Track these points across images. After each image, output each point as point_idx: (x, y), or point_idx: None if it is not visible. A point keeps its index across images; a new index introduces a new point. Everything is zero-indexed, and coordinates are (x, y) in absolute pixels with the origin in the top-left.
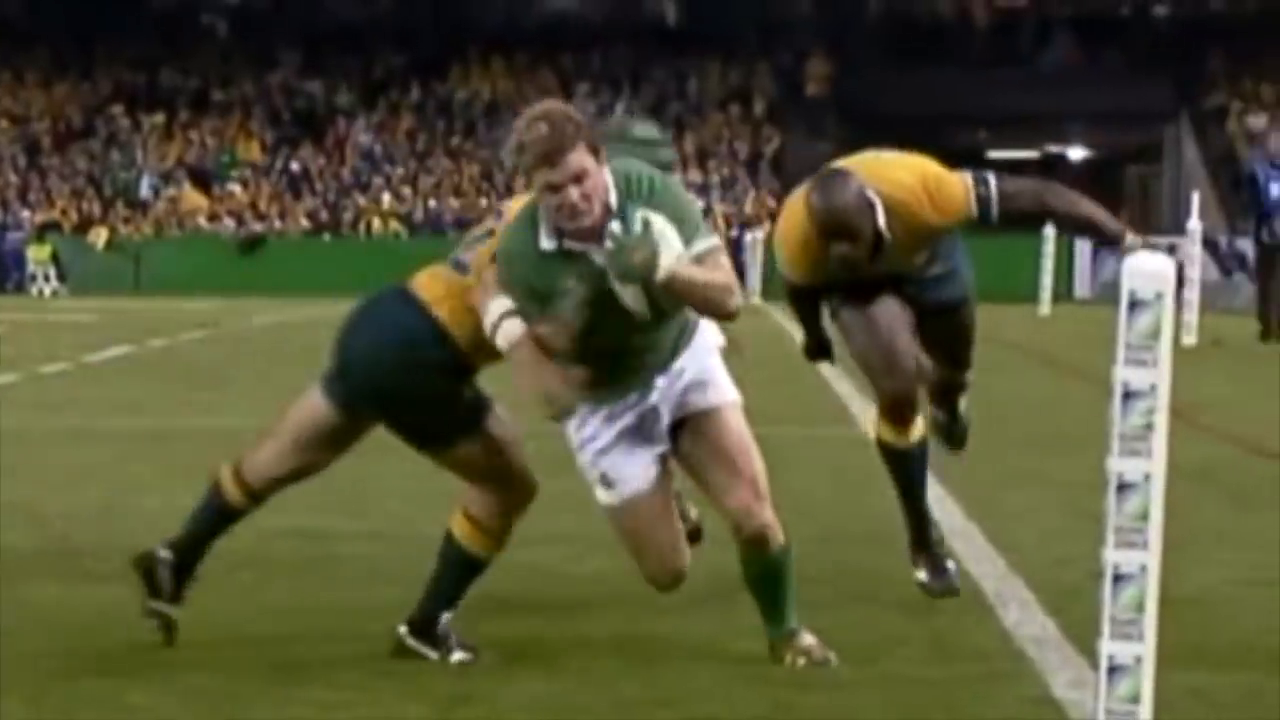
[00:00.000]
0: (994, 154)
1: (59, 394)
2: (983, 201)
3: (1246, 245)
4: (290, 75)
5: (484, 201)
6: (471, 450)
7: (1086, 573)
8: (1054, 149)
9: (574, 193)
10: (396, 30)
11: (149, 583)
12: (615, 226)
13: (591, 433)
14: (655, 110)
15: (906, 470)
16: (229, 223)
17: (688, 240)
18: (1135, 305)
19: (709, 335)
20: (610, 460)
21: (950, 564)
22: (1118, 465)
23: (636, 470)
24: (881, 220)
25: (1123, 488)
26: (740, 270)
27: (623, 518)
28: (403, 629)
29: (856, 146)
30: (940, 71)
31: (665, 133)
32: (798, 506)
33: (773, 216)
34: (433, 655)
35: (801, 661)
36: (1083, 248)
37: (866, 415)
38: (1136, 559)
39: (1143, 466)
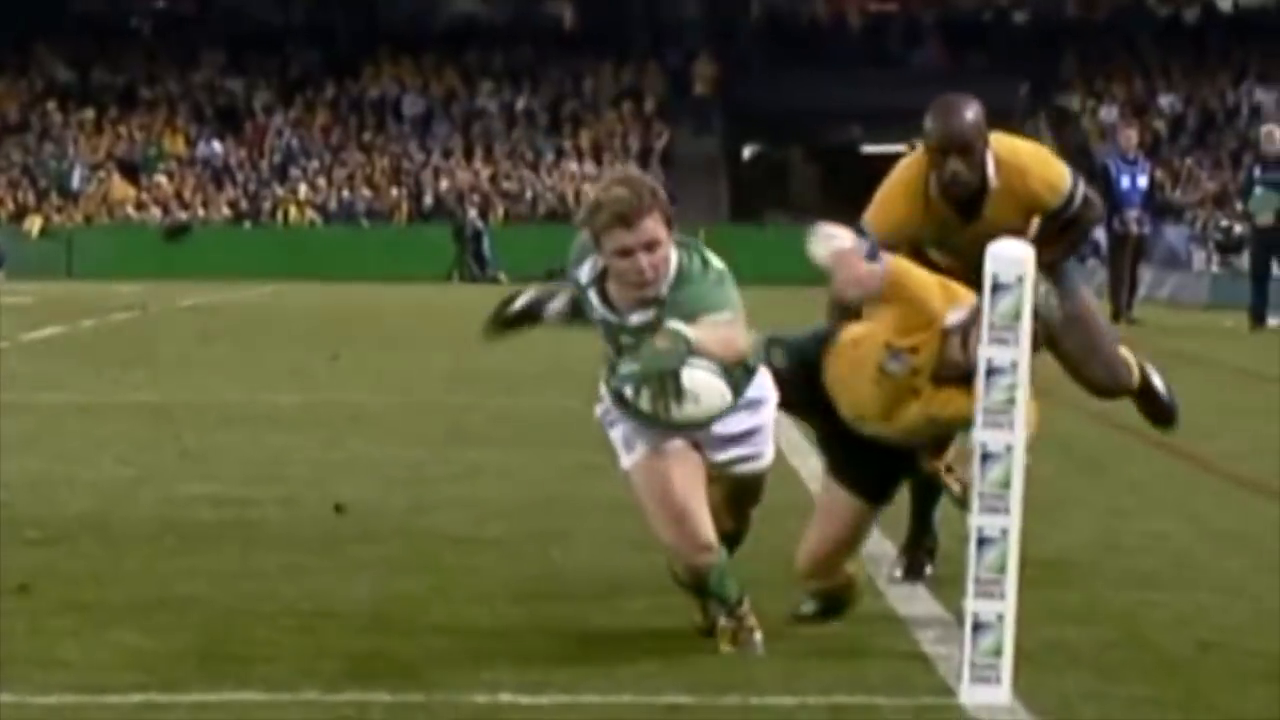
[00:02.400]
0: (867, 148)
1: None
2: (1077, 186)
3: (1100, 233)
4: (213, 74)
5: (394, 192)
6: None
7: (953, 536)
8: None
9: (644, 259)
10: (312, 32)
11: None
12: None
13: (617, 415)
14: (552, 107)
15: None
16: (155, 212)
17: (699, 318)
18: (998, 288)
19: (765, 390)
20: (632, 426)
21: (928, 570)
22: (982, 436)
23: (658, 435)
24: (991, 166)
25: (986, 457)
26: None
27: (641, 476)
28: None
29: (741, 141)
30: (817, 71)
31: None
32: None
33: None
34: None
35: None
36: None
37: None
38: (999, 523)
39: (1004, 438)
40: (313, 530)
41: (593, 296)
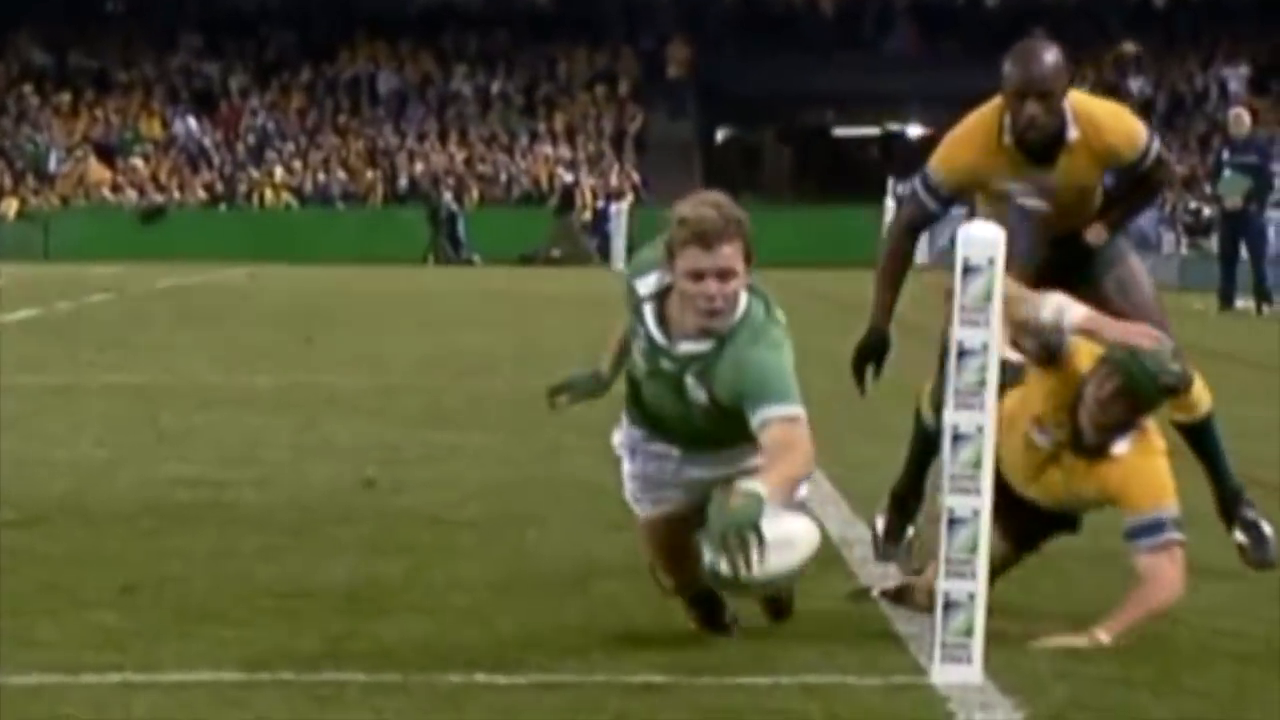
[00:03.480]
0: (839, 131)
1: None
2: (1153, 142)
3: None
4: (189, 57)
5: (370, 174)
6: None
7: (925, 517)
8: (894, 127)
9: (714, 286)
10: (288, 16)
11: None
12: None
13: (628, 453)
14: (527, 90)
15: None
16: (131, 194)
17: (760, 401)
18: (969, 270)
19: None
20: (634, 485)
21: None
22: (953, 418)
23: (651, 501)
24: (1070, 117)
25: (958, 439)
26: (605, 240)
27: (640, 531)
28: None
29: (715, 125)
30: (791, 55)
31: None
32: None
33: (635, 190)
34: None
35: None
36: None
37: None
38: (970, 504)
39: (976, 419)
40: (289, 511)
41: (648, 311)
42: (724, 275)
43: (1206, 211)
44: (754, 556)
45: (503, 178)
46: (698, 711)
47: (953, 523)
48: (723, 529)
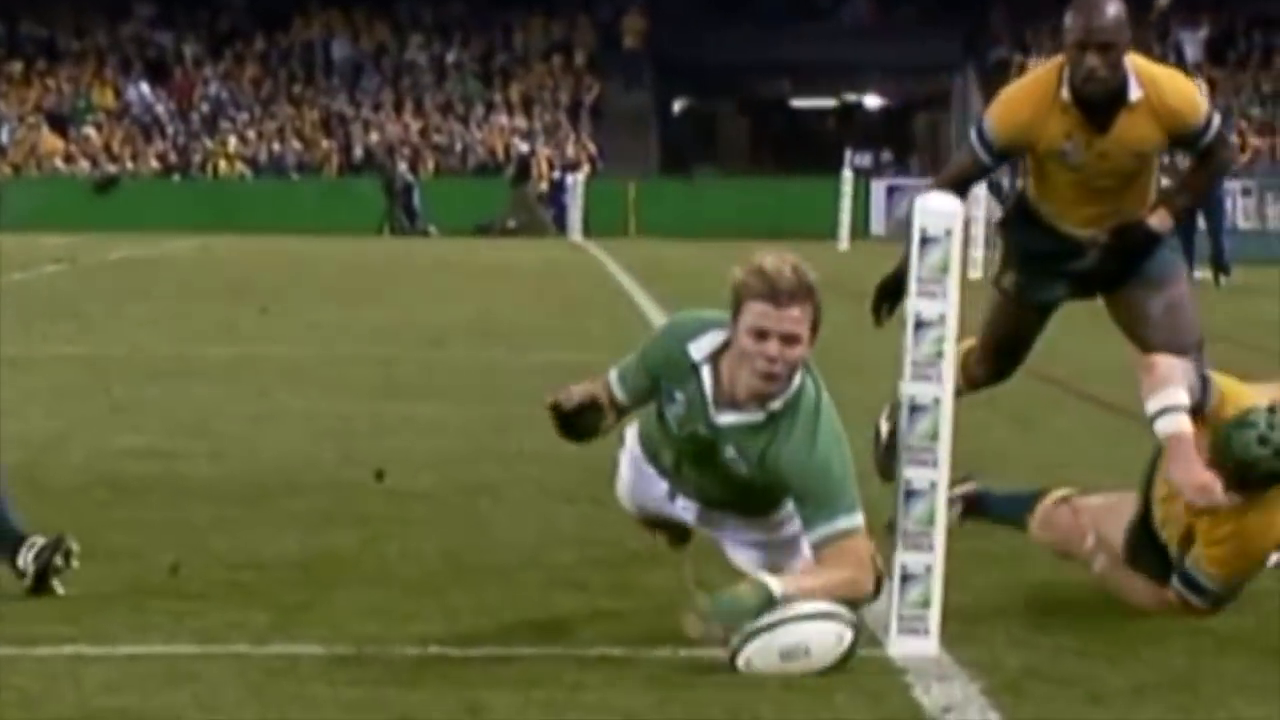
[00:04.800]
0: (796, 102)
1: None
2: (1214, 113)
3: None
4: (142, 26)
5: (324, 145)
6: None
7: (881, 488)
8: (851, 97)
9: (775, 347)
10: None
11: None
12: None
13: (628, 460)
14: (483, 60)
15: None
16: (84, 164)
17: (823, 509)
18: (926, 241)
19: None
20: (626, 490)
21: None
22: (910, 389)
23: (637, 508)
24: (1132, 77)
25: (915, 410)
26: (561, 211)
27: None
28: None
29: (671, 95)
30: (747, 26)
31: None
32: (613, 428)
33: (592, 161)
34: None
35: None
36: (878, 188)
37: None
38: (927, 476)
39: (933, 391)
40: (242, 483)
41: (706, 375)
42: (789, 339)
43: (1165, 182)
44: (736, 644)
45: (458, 148)
46: (654, 683)
47: (910, 495)
48: (715, 613)
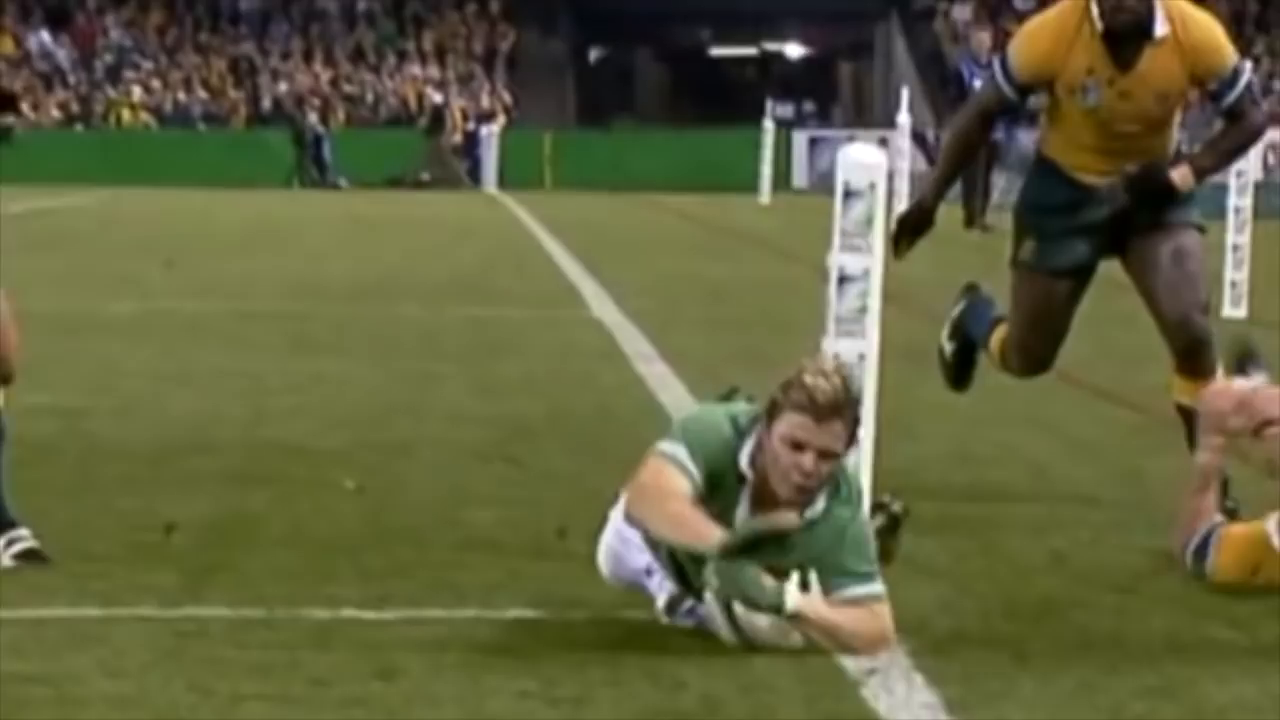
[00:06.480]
0: (716, 51)
1: None
2: (1244, 66)
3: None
4: None
5: (232, 95)
6: None
7: None
8: (772, 46)
9: (809, 461)
10: None
11: None
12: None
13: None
14: (395, 8)
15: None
16: None
17: (852, 574)
18: (849, 195)
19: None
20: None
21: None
22: (834, 346)
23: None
24: (1160, 14)
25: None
26: (476, 163)
27: None
28: None
29: (588, 44)
30: None
31: None
32: (530, 383)
33: (507, 111)
34: None
35: None
36: (800, 139)
37: (598, 300)
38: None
39: (858, 346)
40: (150, 442)
41: (749, 485)
42: (824, 455)
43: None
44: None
45: (370, 98)
46: (571, 646)
47: None
48: (722, 583)
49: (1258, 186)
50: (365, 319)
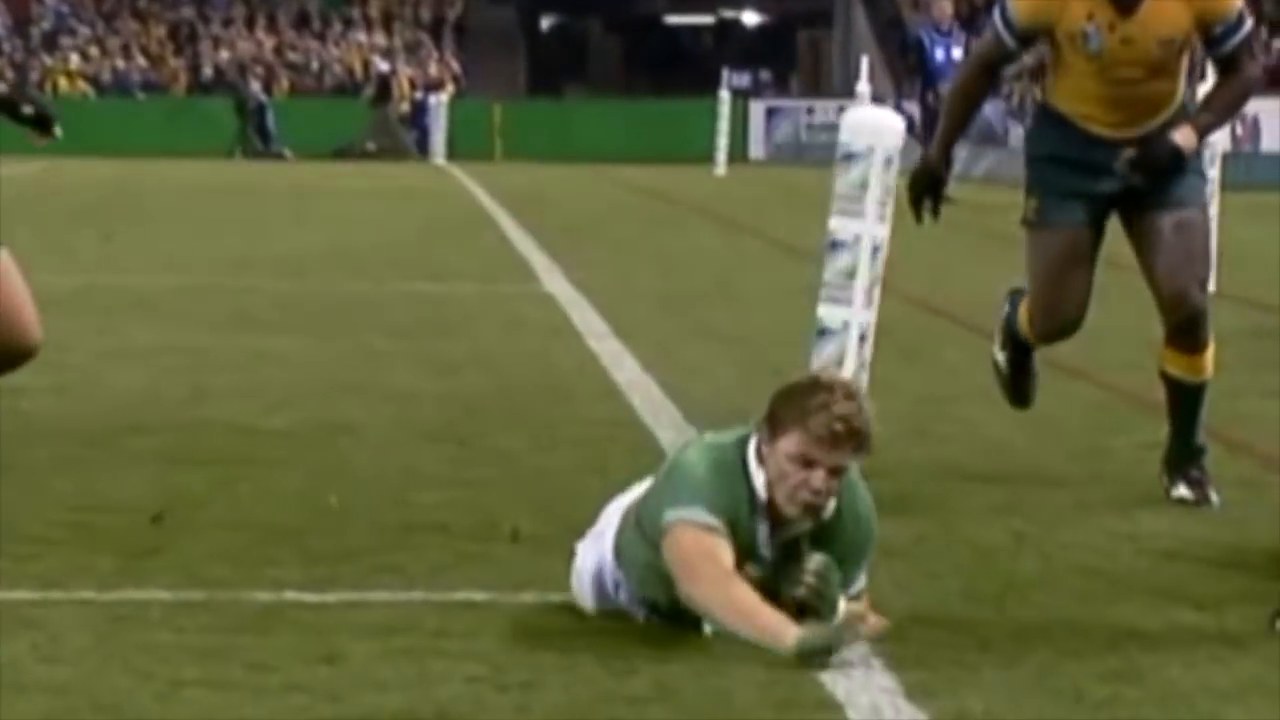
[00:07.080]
0: (671, 19)
1: None
2: (1246, 16)
3: (913, 108)
4: None
5: (172, 63)
6: None
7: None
8: (729, 14)
9: (820, 480)
10: None
11: None
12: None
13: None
14: None
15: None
16: None
17: (849, 579)
18: (848, 157)
19: None
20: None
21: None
22: (820, 311)
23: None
24: None
25: (823, 332)
26: (424, 134)
27: None
28: None
29: (539, 12)
30: None
31: None
32: (479, 360)
33: (456, 80)
34: None
35: None
36: (757, 109)
37: (550, 274)
38: None
39: (842, 314)
40: (87, 420)
41: (763, 508)
42: (835, 472)
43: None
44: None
45: (314, 66)
46: (520, 630)
47: None
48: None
49: (1225, 158)
50: (309, 294)
